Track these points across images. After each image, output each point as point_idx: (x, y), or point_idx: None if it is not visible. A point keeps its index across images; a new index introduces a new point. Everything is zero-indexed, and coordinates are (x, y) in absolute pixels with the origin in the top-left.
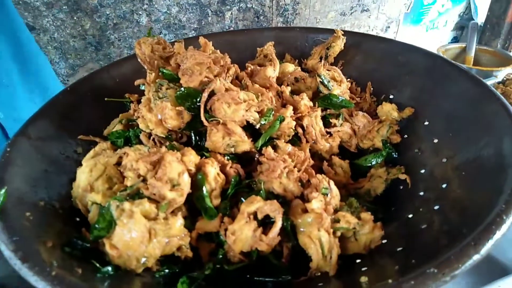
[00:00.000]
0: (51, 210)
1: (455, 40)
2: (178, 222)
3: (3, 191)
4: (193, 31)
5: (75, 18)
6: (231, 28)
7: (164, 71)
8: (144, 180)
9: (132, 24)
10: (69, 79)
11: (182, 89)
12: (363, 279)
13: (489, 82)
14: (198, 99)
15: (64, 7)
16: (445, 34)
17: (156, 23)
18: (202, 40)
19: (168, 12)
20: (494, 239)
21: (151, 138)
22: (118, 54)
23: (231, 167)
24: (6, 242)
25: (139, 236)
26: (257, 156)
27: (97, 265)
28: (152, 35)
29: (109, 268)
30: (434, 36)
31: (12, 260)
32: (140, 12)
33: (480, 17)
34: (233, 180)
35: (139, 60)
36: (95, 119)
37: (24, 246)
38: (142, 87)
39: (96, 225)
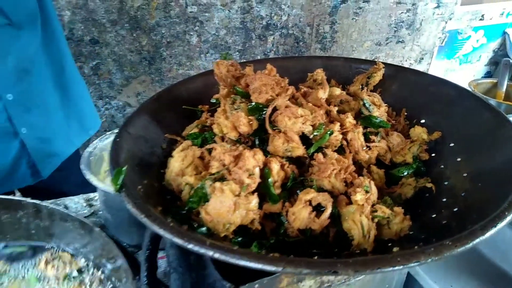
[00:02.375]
0: (152, 187)
1: (488, 74)
2: (254, 200)
3: (124, 168)
4: (237, 52)
5: (134, 35)
6: (272, 52)
7: (237, 88)
8: (227, 169)
9: (183, 43)
10: (123, 89)
11: (253, 103)
12: (395, 249)
13: None
14: (263, 112)
15: (126, 25)
16: (478, 68)
17: (205, 43)
18: (269, 66)
19: (216, 34)
20: (497, 228)
21: (224, 140)
22: (168, 69)
23: (287, 167)
24: (132, 204)
25: (227, 207)
26: (307, 161)
27: (195, 225)
28: (227, 58)
29: (204, 229)
30: (467, 70)
31: (138, 215)
32: (192, 33)
33: None
34: (291, 176)
35: (216, 77)
36: (173, 123)
37: (143, 207)
38: (212, 100)
39: (191, 199)
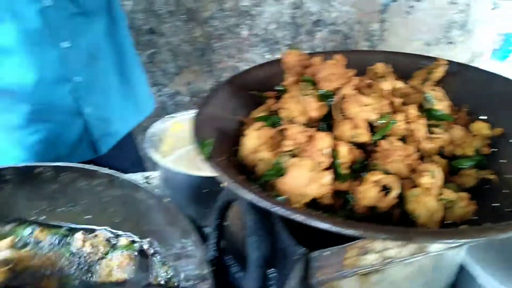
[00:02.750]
0: (230, 161)
1: None
2: (328, 176)
3: (212, 140)
4: (285, 47)
5: (189, 26)
6: (320, 48)
7: (306, 77)
8: (301, 147)
9: (234, 36)
10: (175, 77)
11: (323, 90)
12: (462, 226)
13: None
14: (331, 99)
15: (182, 16)
16: None
17: (254, 37)
18: (338, 56)
19: (266, 28)
20: None
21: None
22: (218, 61)
23: (354, 150)
24: (222, 171)
25: (303, 181)
26: (371, 148)
27: (274, 194)
28: (294, 48)
29: (283, 197)
30: None
31: (228, 181)
32: (243, 26)
33: None
34: (358, 159)
35: (283, 66)
36: (242, 105)
37: (231, 174)
38: (277, 88)
39: (267, 173)
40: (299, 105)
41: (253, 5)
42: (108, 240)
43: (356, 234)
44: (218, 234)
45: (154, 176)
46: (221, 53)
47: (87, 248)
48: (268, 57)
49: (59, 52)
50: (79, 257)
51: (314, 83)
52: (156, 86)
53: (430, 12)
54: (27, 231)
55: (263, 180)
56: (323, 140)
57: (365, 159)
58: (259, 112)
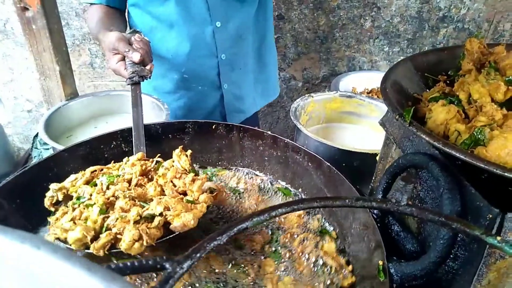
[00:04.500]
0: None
1: None
2: None
3: (410, 108)
4: (405, 41)
5: (315, 14)
6: (441, 44)
7: (491, 64)
8: (496, 123)
9: (357, 27)
10: (293, 62)
11: (510, 77)
12: None
13: None
14: None
15: (310, 5)
16: None
17: (376, 29)
18: None
19: (390, 21)
20: None
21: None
22: (337, 49)
23: None
24: (426, 134)
25: (507, 150)
26: None
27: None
28: (478, 37)
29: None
30: None
31: (432, 140)
32: (367, 17)
33: None
34: None
35: (466, 52)
36: (415, 85)
37: (432, 136)
38: (450, 73)
39: (464, 141)
40: (485, 88)
41: None
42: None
43: None
44: (383, 195)
45: None
46: (340, 43)
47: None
48: (387, 49)
49: (212, 31)
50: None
51: (496, 70)
52: None
53: None
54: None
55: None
56: None
57: None
58: (434, 93)
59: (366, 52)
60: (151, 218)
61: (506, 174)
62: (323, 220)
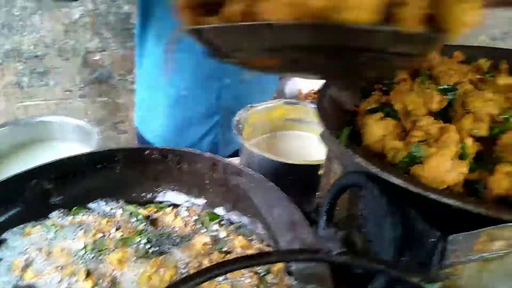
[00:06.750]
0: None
1: None
2: (466, 165)
3: (348, 128)
4: None
5: None
6: None
7: (421, 72)
8: (432, 138)
9: None
10: None
11: (446, 86)
12: None
13: None
14: (451, 94)
15: None
16: None
17: None
18: (458, 53)
19: None
20: None
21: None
22: None
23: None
24: (362, 157)
25: (444, 168)
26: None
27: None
28: None
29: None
30: None
31: (369, 166)
32: None
33: None
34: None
35: None
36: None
37: (369, 159)
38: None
39: (403, 160)
40: (419, 98)
41: None
42: None
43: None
44: (327, 218)
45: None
46: None
47: None
48: None
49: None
50: None
51: (430, 78)
52: None
53: None
54: None
55: (399, 167)
56: (453, 134)
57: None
58: (370, 104)
59: None
60: None
61: (444, 200)
62: None
